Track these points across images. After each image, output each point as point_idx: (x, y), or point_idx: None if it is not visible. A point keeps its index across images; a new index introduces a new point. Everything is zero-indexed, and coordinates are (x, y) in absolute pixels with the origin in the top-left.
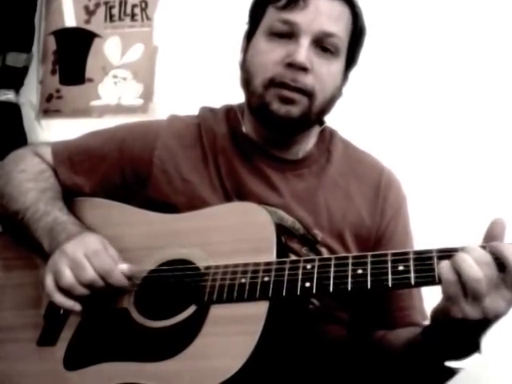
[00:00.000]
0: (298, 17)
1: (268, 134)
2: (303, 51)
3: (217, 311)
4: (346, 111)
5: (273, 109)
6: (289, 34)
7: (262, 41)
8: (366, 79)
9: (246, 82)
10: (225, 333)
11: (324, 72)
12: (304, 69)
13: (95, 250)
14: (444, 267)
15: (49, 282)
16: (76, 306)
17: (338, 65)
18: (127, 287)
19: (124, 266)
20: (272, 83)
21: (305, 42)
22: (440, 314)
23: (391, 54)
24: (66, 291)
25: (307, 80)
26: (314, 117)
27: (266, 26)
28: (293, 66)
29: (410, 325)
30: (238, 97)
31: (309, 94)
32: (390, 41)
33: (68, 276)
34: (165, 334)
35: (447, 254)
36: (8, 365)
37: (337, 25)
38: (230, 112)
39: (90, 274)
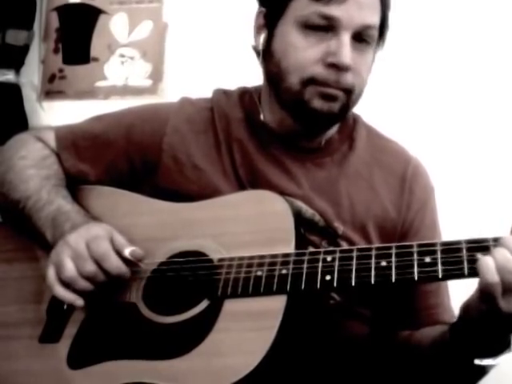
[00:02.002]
0: (338, 11)
1: (296, 126)
2: (347, 51)
3: (231, 306)
4: (369, 95)
5: (314, 106)
6: (326, 27)
7: (295, 33)
8: (391, 60)
9: (277, 76)
10: (240, 329)
11: (361, 65)
12: (347, 68)
13: (95, 235)
14: (490, 268)
15: (50, 273)
16: (78, 301)
17: (371, 53)
18: (126, 276)
19: (129, 249)
20: (311, 81)
21: (346, 38)
22: (472, 309)
23: (417, 32)
24: (68, 284)
25: (348, 79)
26: (351, 109)
27: (297, 16)
28: (336, 66)
29: (437, 324)
30: (253, 78)
31: (349, 91)
32: (418, 20)
33: (69, 268)
34: (175, 331)
35: (477, 245)
36: (8, 363)
37: (374, 14)
38: (245, 96)
39: (90, 265)
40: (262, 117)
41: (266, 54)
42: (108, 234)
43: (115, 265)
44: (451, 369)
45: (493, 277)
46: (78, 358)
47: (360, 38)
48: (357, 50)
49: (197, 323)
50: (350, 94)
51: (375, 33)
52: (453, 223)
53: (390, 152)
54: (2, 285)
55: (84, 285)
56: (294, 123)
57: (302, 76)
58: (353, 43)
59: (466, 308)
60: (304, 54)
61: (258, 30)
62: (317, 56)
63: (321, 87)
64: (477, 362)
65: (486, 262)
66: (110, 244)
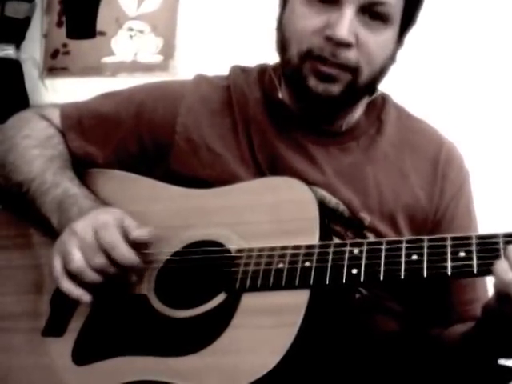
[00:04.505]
0: None
1: (306, 106)
2: (345, 24)
3: (250, 300)
4: (399, 73)
5: (310, 85)
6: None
7: (300, 2)
8: (424, 38)
9: (282, 47)
10: (259, 325)
11: (371, 44)
12: (346, 44)
13: (104, 223)
14: (504, 268)
15: (56, 265)
16: (85, 297)
17: (389, 33)
18: (136, 266)
19: (135, 232)
20: (309, 55)
21: (348, 11)
22: (491, 310)
23: (452, 9)
24: (76, 276)
25: (349, 55)
26: (361, 91)
27: None
28: (332, 40)
29: (473, 320)
30: (272, 54)
31: (352, 69)
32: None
33: (77, 259)
34: (189, 326)
35: None
36: (9, 357)
37: None
38: (264, 73)
39: (99, 256)
40: (279, 95)
41: (279, 28)
42: (118, 220)
43: (123, 254)
44: (476, 368)
45: (507, 276)
46: (84, 354)
47: (372, 14)
48: (367, 27)
49: (212, 318)
50: (356, 74)
51: (392, 10)
52: (489, 214)
53: (422, 134)
54: (1, 273)
55: (93, 276)
56: (301, 102)
57: (300, 48)
58: (361, 17)
59: (486, 309)
60: (304, 23)
61: (280, 3)
62: (316, 27)
63: (317, 63)
64: (501, 362)
65: (501, 263)
66: (118, 232)
